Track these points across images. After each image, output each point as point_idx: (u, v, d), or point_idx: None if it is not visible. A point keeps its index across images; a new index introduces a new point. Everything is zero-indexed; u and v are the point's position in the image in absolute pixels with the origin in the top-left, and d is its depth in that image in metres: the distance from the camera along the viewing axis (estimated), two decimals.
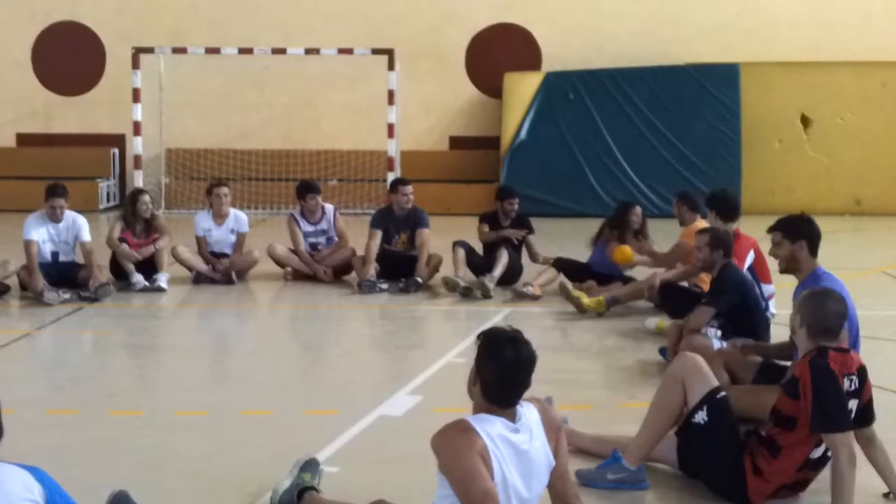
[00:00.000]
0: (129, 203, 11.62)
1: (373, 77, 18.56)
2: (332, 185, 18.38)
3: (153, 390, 7.69)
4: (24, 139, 20.05)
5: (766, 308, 8.28)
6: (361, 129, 19.27)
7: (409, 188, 11.53)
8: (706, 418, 5.22)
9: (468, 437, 3.99)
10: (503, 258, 11.00)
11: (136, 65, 18.19)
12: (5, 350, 8.64)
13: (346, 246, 11.75)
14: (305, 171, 18.64)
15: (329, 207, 12.03)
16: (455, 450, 3.98)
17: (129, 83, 18.32)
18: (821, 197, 18.44)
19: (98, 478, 5.37)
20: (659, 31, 19.11)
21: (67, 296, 10.30)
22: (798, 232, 6.32)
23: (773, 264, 7.06)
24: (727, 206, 8.97)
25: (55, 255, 10.72)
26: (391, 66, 17.97)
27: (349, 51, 18.30)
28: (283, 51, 18.50)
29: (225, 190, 11.85)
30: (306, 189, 11.92)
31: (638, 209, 10.72)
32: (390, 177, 16.77)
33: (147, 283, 10.92)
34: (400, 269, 11.17)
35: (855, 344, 5.98)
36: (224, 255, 11.63)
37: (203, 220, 11.77)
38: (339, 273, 11.67)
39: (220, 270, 11.44)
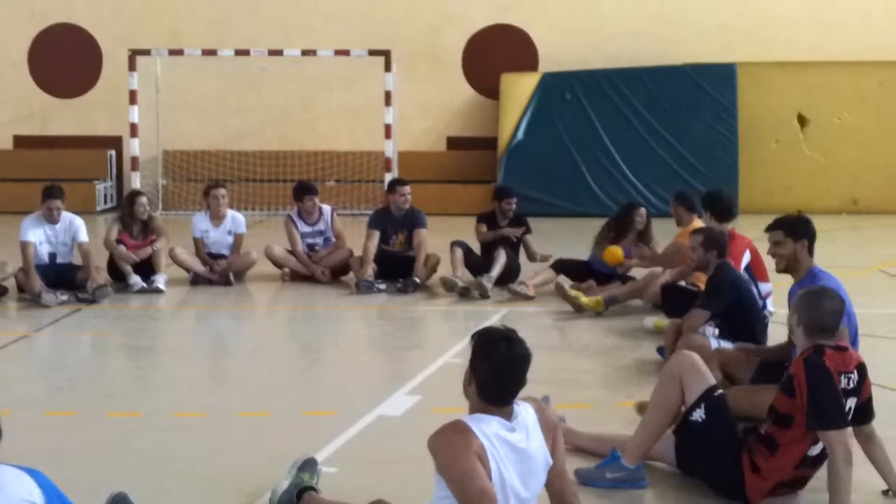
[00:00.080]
0: (126, 205, 11.62)
1: (369, 78, 18.56)
2: (330, 186, 18.38)
3: (151, 392, 7.68)
4: (20, 141, 20.04)
5: (764, 307, 8.30)
6: (358, 130, 19.28)
7: (407, 188, 11.53)
8: (704, 416, 5.23)
9: (465, 438, 3.99)
10: (501, 258, 11.00)
11: (132, 67, 18.18)
12: (3, 352, 8.64)
13: (343, 247, 11.75)
14: (302, 172, 18.64)
15: (326, 208, 12.03)
16: (452, 450, 3.98)
17: (125, 85, 18.31)
18: (818, 196, 18.46)
19: (96, 479, 5.37)
20: (658, 33, 19.11)
21: (65, 297, 10.29)
22: (800, 231, 6.34)
23: (769, 263, 7.06)
24: (722, 207, 8.98)
25: (52, 256, 10.72)
26: (388, 68, 17.97)
27: (346, 52, 18.29)
28: (279, 52, 18.50)
29: (222, 191, 11.85)
30: (303, 190, 11.93)
31: (642, 210, 10.72)
32: (388, 177, 16.76)
33: (145, 285, 10.92)
34: (398, 270, 11.17)
35: (854, 342, 5.99)
36: (221, 257, 11.63)
37: (200, 222, 11.76)
38: (337, 274, 11.67)
39: (218, 272, 11.44)
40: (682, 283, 9.30)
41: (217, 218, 11.75)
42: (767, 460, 5.03)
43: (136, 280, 10.93)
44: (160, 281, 10.99)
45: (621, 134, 18.38)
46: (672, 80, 18.45)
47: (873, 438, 5.08)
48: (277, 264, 11.82)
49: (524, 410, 4.17)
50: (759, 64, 18.55)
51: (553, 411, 4.62)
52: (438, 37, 19.56)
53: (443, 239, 11.73)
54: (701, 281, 8.65)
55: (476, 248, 11.50)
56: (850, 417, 4.93)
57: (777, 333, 7.61)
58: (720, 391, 5.35)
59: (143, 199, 11.52)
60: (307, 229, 11.84)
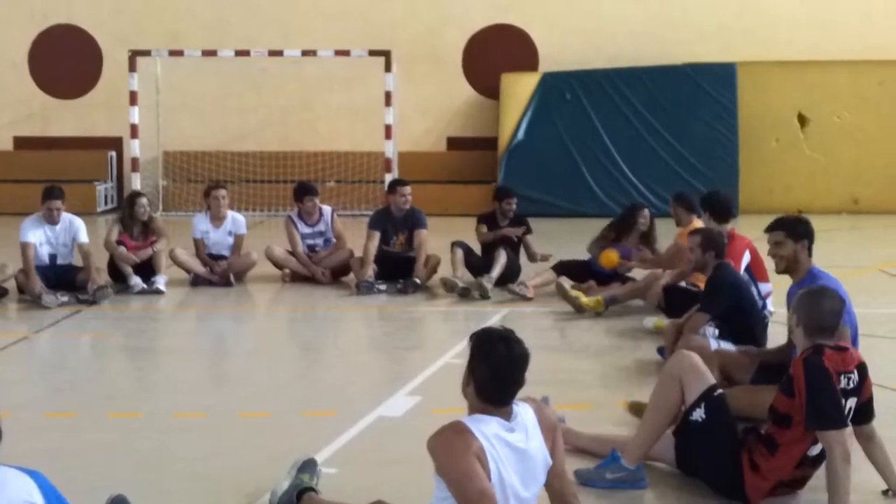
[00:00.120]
0: (126, 206, 11.62)
1: (369, 79, 18.57)
2: (330, 187, 18.39)
3: (151, 393, 7.68)
4: (21, 142, 20.05)
5: (764, 307, 8.30)
6: (358, 131, 19.29)
7: (408, 189, 11.53)
8: (704, 416, 5.23)
9: (464, 439, 3.99)
10: (501, 258, 11.00)
11: (132, 68, 18.20)
12: (3, 353, 8.64)
13: (343, 247, 11.76)
14: (303, 172, 18.65)
15: (326, 209, 12.03)
16: (451, 451, 3.99)
17: (126, 86, 18.33)
18: (818, 196, 18.47)
19: (96, 480, 5.38)
20: (658, 33, 19.11)
21: (65, 299, 10.29)
22: (800, 232, 6.36)
23: (768, 263, 7.06)
24: (720, 207, 8.98)
25: (53, 257, 10.72)
26: (388, 68, 17.98)
27: (346, 52, 18.30)
28: (279, 53, 18.51)
29: (223, 192, 11.86)
30: (304, 191, 11.93)
31: (646, 212, 10.71)
32: (388, 178, 16.77)
33: (145, 286, 10.92)
34: (398, 270, 11.18)
35: (854, 342, 5.99)
36: (222, 258, 11.63)
37: (201, 223, 11.77)
38: (337, 274, 11.67)
39: (218, 272, 11.44)
40: (683, 283, 9.29)
41: (217, 219, 11.76)
42: (767, 460, 5.03)
43: (136, 281, 10.93)
44: (160, 282, 11.00)
45: (621, 134, 18.38)
46: (672, 79, 18.45)
47: (874, 438, 5.09)
48: (278, 265, 11.83)
49: (523, 411, 4.17)
50: (759, 63, 18.55)
51: (553, 412, 4.62)
52: (438, 37, 19.56)
53: (443, 239, 11.73)
54: (701, 281, 8.65)
55: (476, 248, 11.50)
56: (850, 417, 4.94)
57: (777, 333, 7.61)
58: (720, 391, 5.35)
59: (144, 200, 11.52)
60: (307, 230, 11.85)
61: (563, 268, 10.80)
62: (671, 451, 5.45)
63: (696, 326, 7.36)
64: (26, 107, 19.97)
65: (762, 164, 18.52)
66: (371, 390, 7.36)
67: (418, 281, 11.00)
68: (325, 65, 18.99)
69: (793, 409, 4.88)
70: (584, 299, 9.80)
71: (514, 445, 4.07)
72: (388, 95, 18.01)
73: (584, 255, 10.93)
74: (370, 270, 11.10)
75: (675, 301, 8.96)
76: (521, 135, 18.54)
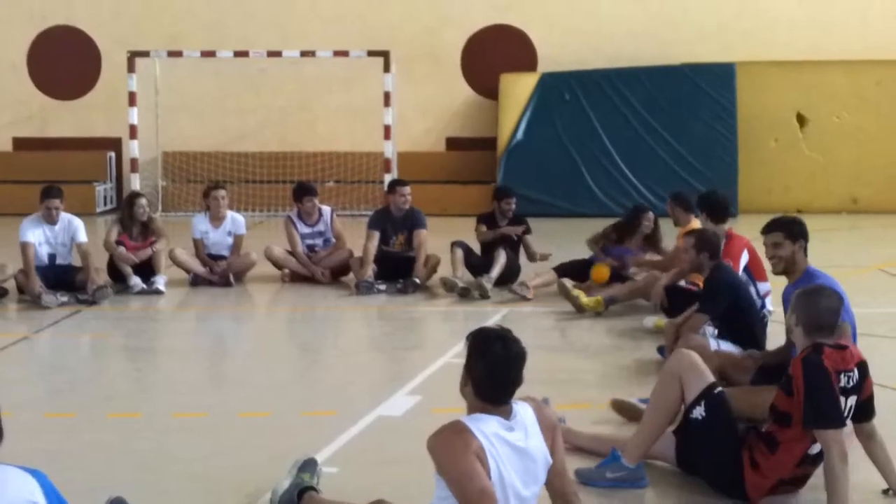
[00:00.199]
0: (125, 206, 11.62)
1: (368, 79, 18.57)
2: (329, 187, 18.39)
3: (151, 393, 7.68)
4: (20, 143, 20.04)
5: (763, 306, 8.30)
6: (357, 131, 19.28)
7: (407, 189, 11.53)
8: (704, 413, 5.23)
9: (464, 438, 3.99)
10: (501, 258, 11.00)
11: (131, 68, 18.20)
12: (3, 353, 8.64)
13: (343, 247, 11.76)
14: (302, 173, 18.65)
15: (326, 209, 12.03)
16: (451, 451, 3.98)
17: (125, 87, 18.33)
18: (817, 195, 18.47)
19: (96, 480, 5.38)
20: (658, 33, 19.12)
21: (65, 299, 10.29)
22: (797, 232, 6.39)
23: (766, 263, 7.07)
24: (717, 207, 8.98)
25: (52, 257, 10.72)
26: (387, 68, 17.98)
27: (345, 53, 18.30)
28: (278, 53, 18.50)
29: (222, 192, 11.86)
30: (303, 191, 11.93)
31: (650, 214, 10.72)
32: (387, 178, 16.77)
33: (145, 286, 10.92)
34: (398, 270, 11.17)
35: (853, 340, 5.99)
36: (221, 258, 11.63)
37: (200, 223, 11.77)
38: (337, 274, 11.67)
39: (218, 273, 11.44)
40: (683, 283, 9.29)
41: (217, 219, 11.76)
42: (767, 458, 5.03)
43: (136, 281, 10.93)
44: (160, 282, 10.99)
45: (620, 134, 18.38)
46: (671, 79, 18.46)
47: (874, 437, 5.09)
48: (277, 265, 11.83)
49: (523, 410, 4.17)
50: (758, 63, 18.56)
51: (553, 412, 4.62)
52: (437, 37, 19.56)
53: (443, 239, 11.73)
54: (701, 281, 8.65)
55: (476, 248, 11.50)
56: (850, 415, 4.94)
57: (777, 333, 7.61)
58: (720, 389, 5.36)
59: (143, 201, 11.52)
60: (307, 230, 11.84)
61: (564, 269, 10.77)
62: (671, 450, 5.45)
63: (694, 327, 7.37)
64: (25, 108, 19.96)
65: (761, 164, 18.52)
66: (371, 390, 7.36)
67: (418, 281, 11.00)
68: (324, 65, 18.99)
69: (792, 407, 4.89)
70: (584, 299, 9.80)
71: (513, 444, 4.07)
72: (387, 96, 18.01)
73: (583, 254, 10.93)
74: (370, 270, 11.10)
75: (675, 301, 8.95)
76: (520, 135, 18.54)
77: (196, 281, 11.43)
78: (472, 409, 4.14)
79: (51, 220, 10.67)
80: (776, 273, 6.53)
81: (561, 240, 13.64)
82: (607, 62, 18.88)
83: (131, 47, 18.44)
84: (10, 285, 10.61)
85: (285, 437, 6.19)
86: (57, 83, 19.91)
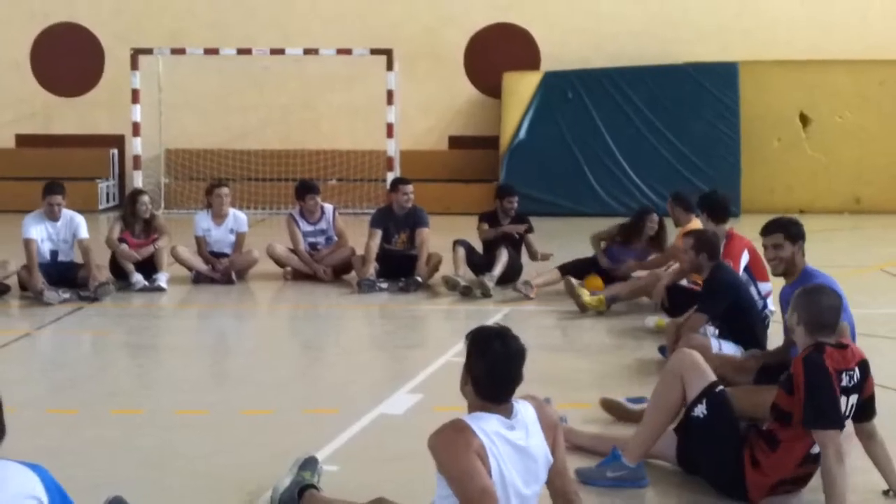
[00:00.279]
0: (128, 203, 11.63)
1: (371, 77, 18.57)
2: (332, 185, 18.40)
3: (153, 390, 7.69)
4: (23, 140, 20.07)
5: (765, 306, 8.30)
6: (360, 130, 19.29)
7: (410, 187, 11.53)
8: (705, 412, 5.24)
9: (464, 437, 3.99)
10: (503, 257, 11.01)
11: (134, 66, 18.21)
12: (5, 350, 8.65)
13: (345, 245, 11.76)
14: (304, 171, 18.66)
15: (328, 207, 12.04)
16: (452, 449, 3.99)
17: (127, 84, 18.34)
18: (819, 195, 18.48)
19: (98, 477, 5.38)
20: (658, 32, 19.12)
21: (67, 295, 10.31)
22: (796, 233, 6.42)
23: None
24: (718, 207, 8.98)
25: (54, 254, 10.73)
26: (390, 67, 17.98)
27: (348, 51, 18.30)
28: (281, 51, 18.51)
29: (225, 190, 11.88)
30: (305, 189, 11.94)
31: (654, 216, 10.72)
32: (390, 176, 16.78)
33: (147, 283, 10.93)
34: (400, 269, 11.18)
35: (852, 340, 6.00)
36: (223, 255, 11.64)
37: (202, 220, 11.78)
38: (339, 272, 11.68)
39: (220, 270, 11.45)
40: (685, 282, 9.30)
41: (219, 217, 11.77)
42: (768, 456, 5.04)
43: (138, 278, 10.94)
44: (162, 279, 11.01)
45: (623, 133, 18.39)
46: (674, 79, 18.46)
47: (874, 436, 5.09)
48: (279, 263, 11.83)
49: (523, 408, 4.17)
50: (761, 63, 18.56)
51: (554, 411, 4.62)
52: (439, 36, 19.57)
53: (445, 238, 11.74)
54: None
55: (478, 247, 11.50)
56: (851, 414, 4.95)
57: (778, 333, 7.60)
58: (721, 387, 5.36)
59: (145, 198, 11.53)
60: (309, 228, 11.85)
61: (567, 269, 10.77)
62: (672, 449, 5.45)
63: (694, 327, 7.39)
64: (28, 105, 19.98)
65: (764, 164, 18.53)
66: (372, 388, 7.37)
67: (420, 279, 11.00)
68: (327, 64, 19.00)
69: (793, 406, 4.90)
70: (587, 298, 9.81)
71: (514, 443, 4.07)
72: (389, 94, 18.02)
73: (585, 253, 10.94)
74: (372, 269, 11.11)
75: (676, 300, 8.96)
76: (522, 134, 18.55)
77: (198, 278, 11.45)
78: (472, 408, 4.15)
79: (53, 216, 10.69)
80: (776, 274, 6.55)
81: (563, 239, 13.64)
82: (609, 61, 18.88)
83: (134, 44, 18.45)
84: (13, 282, 10.63)
85: (287, 435, 6.20)
86: (60, 80, 19.93)
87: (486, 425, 4.04)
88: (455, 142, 19.88)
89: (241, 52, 18.47)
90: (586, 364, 8.14)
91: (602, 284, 10.38)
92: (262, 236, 13.07)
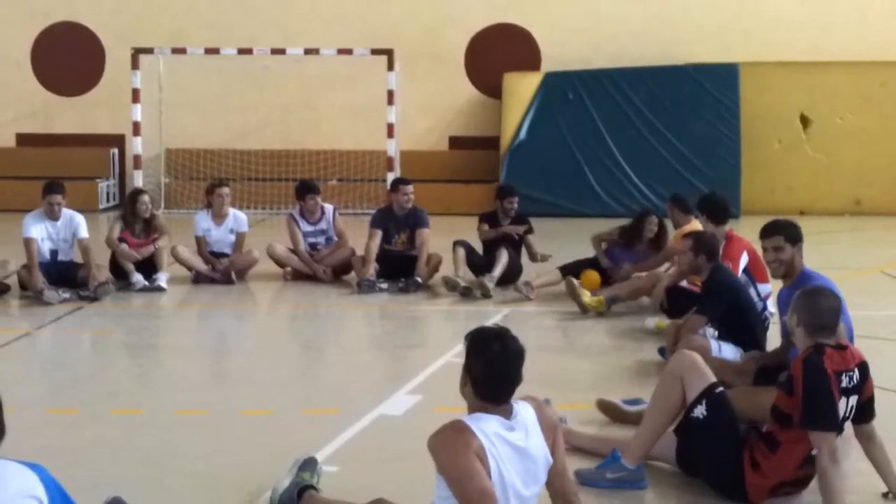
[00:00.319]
0: (128, 203, 11.63)
1: (371, 77, 18.56)
2: (332, 185, 18.40)
3: (153, 390, 7.69)
4: (23, 139, 20.06)
5: (765, 308, 8.31)
6: (360, 130, 19.29)
7: (410, 188, 11.53)
8: (705, 413, 5.24)
9: (464, 438, 3.99)
10: (503, 258, 11.01)
11: (135, 65, 18.21)
12: (5, 349, 8.65)
13: (345, 245, 11.76)
14: (305, 171, 18.65)
15: (328, 207, 12.04)
16: (451, 450, 3.99)
17: (128, 83, 18.34)
18: (820, 197, 18.48)
19: (98, 477, 5.38)
20: (658, 32, 19.12)
21: (67, 295, 10.31)
22: (795, 235, 6.43)
23: None
24: (717, 209, 8.99)
25: (54, 253, 10.73)
26: (390, 67, 17.98)
27: (349, 51, 18.30)
28: (282, 51, 18.51)
29: (226, 190, 11.88)
30: (305, 189, 11.94)
31: (653, 219, 10.73)
32: (390, 177, 16.78)
33: (147, 283, 10.93)
34: (400, 269, 11.18)
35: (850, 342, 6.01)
36: (224, 255, 11.64)
37: (202, 220, 11.78)
38: (339, 273, 11.68)
39: (220, 270, 11.45)
40: (685, 284, 9.30)
41: (219, 216, 11.77)
42: (768, 458, 5.04)
43: (138, 278, 10.94)
44: (162, 279, 11.01)
45: (623, 134, 18.39)
46: (674, 79, 18.46)
47: (874, 438, 5.10)
48: (279, 263, 11.83)
49: (523, 409, 4.17)
50: (762, 64, 18.56)
51: (554, 412, 4.62)
52: (440, 36, 19.56)
53: (445, 238, 11.74)
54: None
55: (478, 247, 11.50)
56: (851, 415, 4.96)
57: (777, 334, 7.60)
58: (721, 388, 5.36)
59: (145, 198, 11.53)
60: (309, 228, 11.85)
61: (568, 269, 10.77)
62: (672, 451, 5.45)
63: (693, 328, 7.40)
64: (29, 104, 19.98)
65: (764, 165, 18.53)
66: (372, 389, 7.37)
67: (420, 280, 11.00)
68: (327, 63, 18.99)
69: (793, 407, 4.90)
70: (587, 299, 9.81)
71: (514, 444, 4.08)
72: (390, 94, 18.02)
73: (586, 254, 10.95)
74: (372, 269, 11.11)
75: (676, 301, 8.96)
76: (523, 134, 18.55)
77: (198, 278, 11.45)
78: (472, 409, 4.15)
79: (53, 215, 10.69)
80: (776, 277, 6.55)
81: (563, 239, 13.65)
82: (610, 62, 18.88)
83: (134, 44, 18.45)
84: (13, 281, 10.63)
85: (287, 435, 6.20)
86: (60, 80, 19.93)
87: (486, 426, 4.05)
88: (455, 142, 19.88)
89: (241, 51, 18.47)
90: (586, 365, 8.13)
91: (598, 279, 10.38)
92: (262, 236, 13.07)
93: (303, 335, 9.79)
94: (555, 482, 4.30)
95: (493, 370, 4.07)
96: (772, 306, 8.78)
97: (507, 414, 4.12)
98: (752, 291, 7.93)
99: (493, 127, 19.13)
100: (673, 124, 18.33)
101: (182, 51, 18.44)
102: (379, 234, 11.33)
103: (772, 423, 5.05)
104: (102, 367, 8.42)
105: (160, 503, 5.19)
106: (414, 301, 10.61)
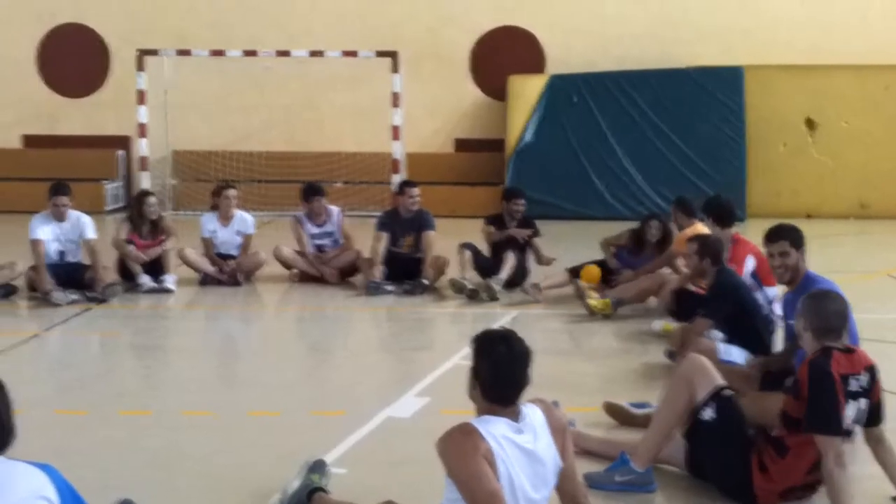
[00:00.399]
0: (135, 205, 11.65)
1: (375, 79, 18.55)
2: (338, 188, 18.39)
3: (161, 391, 7.71)
4: (29, 141, 20.08)
5: (771, 311, 8.30)
6: (364, 132, 19.28)
7: (416, 190, 11.54)
8: (713, 415, 5.24)
9: (472, 440, 4.00)
10: (510, 260, 11.00)
11: (140, 67, 18.22)
12: (14, 351, 8.67)
13: (351, 248, 11.77)
14: (310, 173, 18.61)
15: (334, 210, 12.05)
16: (460, 453, 4.00)
17: (133, 85, 18.33)
18: (826, 200, 18.45)
19: (106, 477, 5.39)
20: (660, 34, 19.10)
21: (75, 296, 10.32)
22: (799, 240, 6.43)
23: None
24: (723, 212, 8.98)
25: (62, 254, 10.74)
26: (395, 69, 17.98)
27: (353, 53, 18.31)
28: (286, 53, 18.51)
29: (234, 192, 11.91)
30: (311, 192, 11.96)
31: (656, 223, 10.71)
32: (395, 179, 16.78)
33: (154, 284, 10.94)
34: (406, 271, 11.18)
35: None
36: (230, 257, 11.65)
37: (209, 222, 11.79)
38: (346, 275, 11.69)
39: (227, 272, 11.46)
40: (692, 286, 9.29)
41: (225, 218, 11.78)
42: (776, 462, 5.04)
43: (145, 280, 10.96)
44: (170, 281, 11.02)
45: (628, 136, 18.36)
46: (679, 82, 18.43)
47: (883, 441, 5.10)
48: (286, 265, 11.84)
49: (532, 412, 4.18)
50: (767, 67, 18.53)
51: (563, 415, 4.62)
52: (444, 38, 19.55)
53: (451, 241, 11.73)
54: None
55: (485, 249, 11.50)
56: (863, 419, 4.95)
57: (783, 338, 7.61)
58: (729, 391, 5.36)
59: (152, 199, 11.55)
60: (315, 230, 11.86)
61: (576, 272, 10.76)
62: (681, 454, 5.45)
63: (699, 331, 7.40)
64: (34, 106, 19.99)
65: (770, 168, 18.50)
66: (379, 391, 7.38)
67: (426, 282, 11.00)
68: (332, 65, 18.98)
69: (800, 411, 4.90)
70: (593, 301, 9.81)
71: (522, 447, 4.08)
72: (395, 96, 18.01)
73: (592, 256, 10.94)
74: (378, 271, 11.11)
75: (683, 304, 8.95)
76: (528, 137, 18.53)
77: (205, 280, 11.46)
78: (480, 412, 4.16)
79: (59, 216, 10.70)
80: (782, 282, 6.55)
81: (568, 242, 13.64)
82: (615, 64, 18.86)
83: (140, 45, 18.45)
84: (20, 282, 10.64)
85: (294, 437, 6.21)
86: (66, 81, 19.94)
87: (494, 429, 4.05)
88: (461, 144, 19.87)
89: (246, 53, 18.47)
90: (593, 368, 8.14)
91: (598, 274, 10.36)
92: (268, 238, 13.07)
93: (310, 337, 9.80)
94: (565, 485, 4.30)
95: (499, 372, 4.08)
96: (779, 309, 8.77)
97: (516, 416, 4.12)
98: (759, 295, 7.93)
99: (499, 129, 19.13)
100: (678, 127, 18.31)
101: (187, 52, 18.46)
102: (385, 236, 11.34)
103: (780, 427, 5.05)
104: (110, 369, 8.44)
105: None
106: (420, 303, 10.62)
